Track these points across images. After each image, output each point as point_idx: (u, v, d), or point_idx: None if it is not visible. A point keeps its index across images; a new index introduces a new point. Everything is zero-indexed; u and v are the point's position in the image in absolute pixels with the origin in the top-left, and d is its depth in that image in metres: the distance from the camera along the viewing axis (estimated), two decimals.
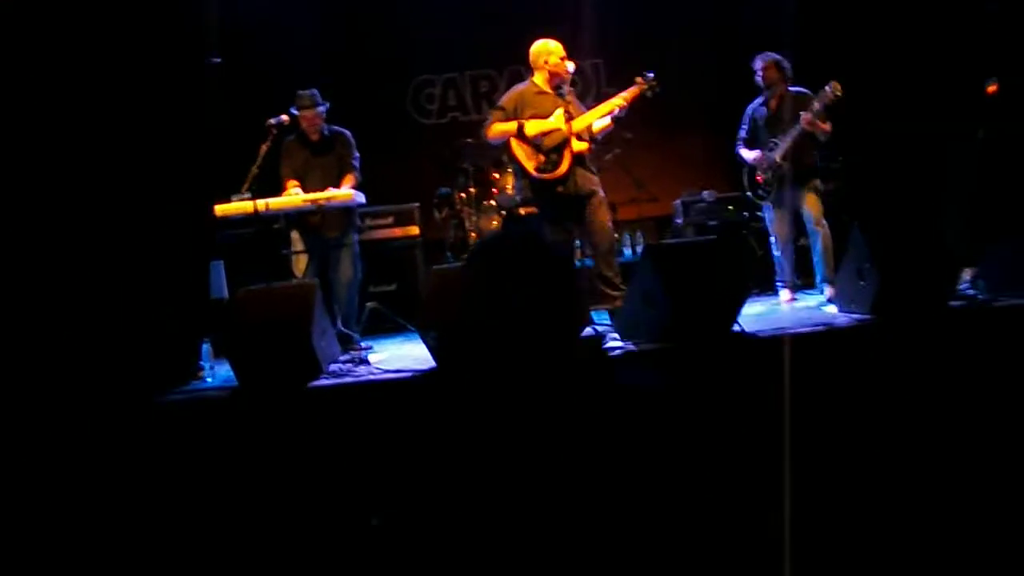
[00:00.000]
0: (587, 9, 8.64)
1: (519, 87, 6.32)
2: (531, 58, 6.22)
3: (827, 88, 6.20)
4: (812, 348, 4.91)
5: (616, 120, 6.09)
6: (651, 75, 6.04)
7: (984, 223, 6.40)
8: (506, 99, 6.27)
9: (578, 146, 6.00)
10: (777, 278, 6.79)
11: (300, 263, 6.39)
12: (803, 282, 7.04)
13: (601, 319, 6.01)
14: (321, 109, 6.38)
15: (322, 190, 6.12)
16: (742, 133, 6.74)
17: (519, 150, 6.12)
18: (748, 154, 6.65)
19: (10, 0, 5.53)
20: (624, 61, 8.35)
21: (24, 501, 4.55)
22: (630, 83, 6.08)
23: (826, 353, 4.89)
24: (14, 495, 4.56)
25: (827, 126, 6.32)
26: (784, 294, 6.72)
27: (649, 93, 6.04)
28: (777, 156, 6.44)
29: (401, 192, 7.94)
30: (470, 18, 8.92)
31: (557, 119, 6.01)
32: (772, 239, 6.71)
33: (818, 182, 6.52)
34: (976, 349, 4.79)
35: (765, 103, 6.62)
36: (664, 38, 8.57)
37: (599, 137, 6.23)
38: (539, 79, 6.18)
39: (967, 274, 5.58)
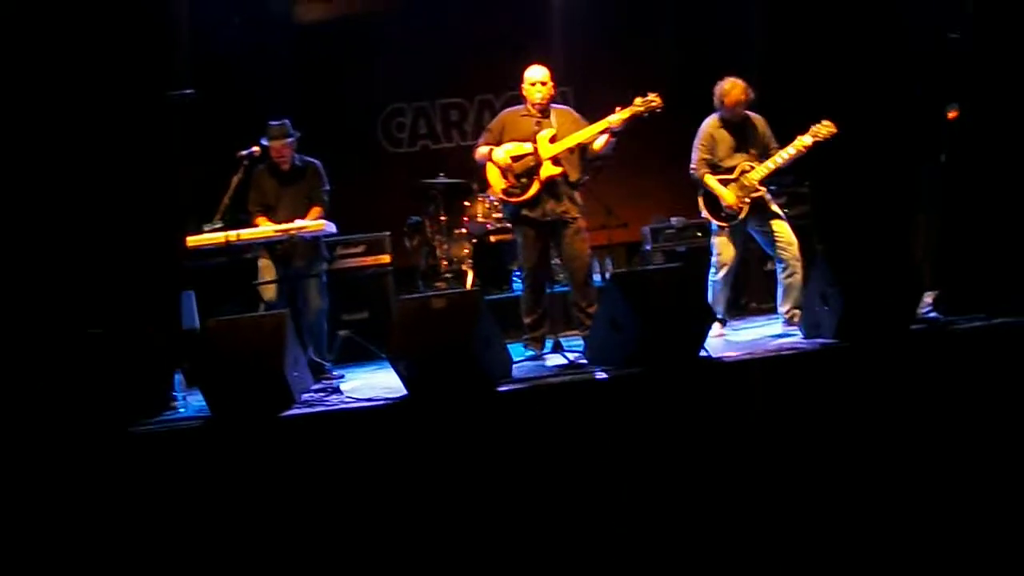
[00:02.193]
0: (555, 38, 8.76)
1: (507, 110, 6.40)
2: None
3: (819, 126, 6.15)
4: (779, 372, 4.98)
5: (615, 135, 5.97)
6: (649, 96, 5.91)
7: (946, 246, 6.49)
8: (494, 122, 6.37)
9: (549, 171, 6.01)
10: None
11: (268, 291, 6.40)
12: (756, 307, 7.20)
13: (576, 346, 6.08)
14: (291, 140, 6.42)
15: (291, 220, 6.18)
16: (700, 155, 6.37)
17: (491, 172, 6.20)
18: (716, 181, 6.29)
19: None
20: (592, 88, 8.47)
21: None
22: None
23: (792, 377, 4.96)
24: None
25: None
26: (716, 328, 6.21)
27: (647, 115, 5.91)
28: (756, 180, 6.24)
29: (372, 220, 7.97)
30: (440, 48, 9.01)
31: (532, 143, 6.06)
32: (716, 265, 6.41)
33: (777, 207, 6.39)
34: (936, 371, 4.88)
35: (726, 126, 6.36)
36: (631, 66, 8.67)
37: (603, 153, 6.13)
38: (528, 103, 6.18)
39: (928, 297, 5.66)
